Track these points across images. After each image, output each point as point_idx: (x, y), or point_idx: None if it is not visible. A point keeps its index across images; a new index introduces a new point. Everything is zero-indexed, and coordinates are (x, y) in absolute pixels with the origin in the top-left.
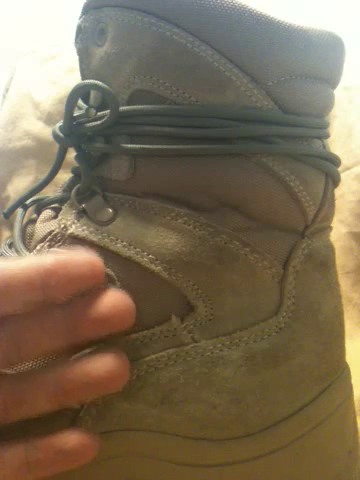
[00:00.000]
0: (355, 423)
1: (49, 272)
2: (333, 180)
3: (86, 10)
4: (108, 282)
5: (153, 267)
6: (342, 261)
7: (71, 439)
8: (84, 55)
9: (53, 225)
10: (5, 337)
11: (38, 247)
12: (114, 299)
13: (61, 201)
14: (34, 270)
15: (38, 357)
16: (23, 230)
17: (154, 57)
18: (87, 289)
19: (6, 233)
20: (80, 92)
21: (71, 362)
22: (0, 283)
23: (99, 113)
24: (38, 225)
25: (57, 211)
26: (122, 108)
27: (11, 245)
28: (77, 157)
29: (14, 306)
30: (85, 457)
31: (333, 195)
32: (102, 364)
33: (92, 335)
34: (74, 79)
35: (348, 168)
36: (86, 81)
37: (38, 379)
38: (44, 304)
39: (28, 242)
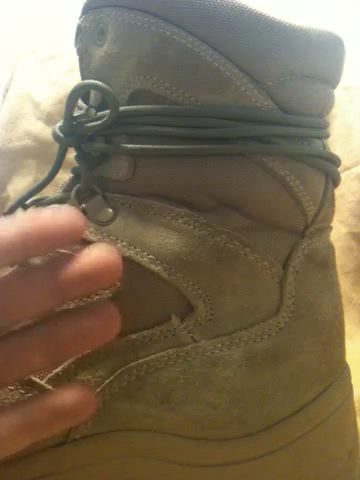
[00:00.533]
0: (355, 423)
1: (28, 232)
2: (333, 180)
3: (86, 10)
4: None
5: (153, 267)
6: (342, 261)
7: (68, 396)
8: (84, 55)
9: None
10: None
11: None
12: (99, 253)
13: (61, 201)
14: (13, 232)
15: (27, 319)
16: None
17: (154, 57)
18: (69, 244)
19: None
20: (80, 92)
21: (61, 314)
22: None
23: (99, 113)
24: None
25: None
26: (122, 108)
27: None
28: (77, 157)
29: None
30: (83, 413)
31: (333, 195)
32: (94, 315)
33: (80, 292)
34: (74, 79)
35: (348, 168)
36: (86, 81)
37: (29, 336)
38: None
39: None
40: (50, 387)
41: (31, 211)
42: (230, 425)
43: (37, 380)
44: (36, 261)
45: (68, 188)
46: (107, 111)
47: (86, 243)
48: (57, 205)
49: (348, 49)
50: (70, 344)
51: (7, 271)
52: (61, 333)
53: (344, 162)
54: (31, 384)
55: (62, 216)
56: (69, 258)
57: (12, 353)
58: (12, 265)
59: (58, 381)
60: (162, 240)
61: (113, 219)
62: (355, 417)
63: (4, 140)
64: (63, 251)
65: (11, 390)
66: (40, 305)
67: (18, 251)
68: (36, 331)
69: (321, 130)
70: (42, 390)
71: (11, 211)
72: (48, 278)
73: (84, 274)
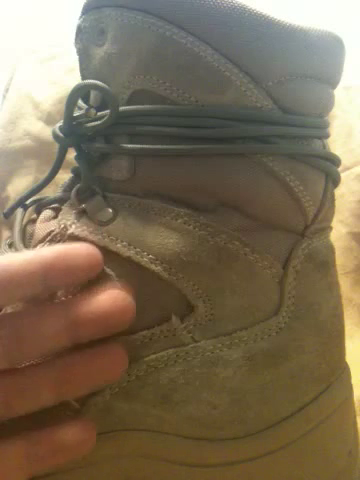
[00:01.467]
0: (355, 423)
1: (49, 265)
2: (333, 180)
3: (86, 10)
4: (108, 282)
5: (153, 267)
6: (342, 261)
7: (70, 432)
8: (84, 55)
9: (53, 225)
10: (6, 334)
11: (38, 247)
12: (114, 296)
13: (61, 201)
14: (35, 264)
15: (39, 356)
16: (23, 230)
17: (154, 57)
18: (86, 280)
19: (6, 233)
20: (80, 92)
21: (72, 354)
22: (3, 279)
23: (99, 113)
24: (38, 225)
25: (57, 211)
26: (122, 108)
27: (11, 245)
28: (77, 157)
29: (15, 300)
30: (84, 449)
31: (333, 195)
32: (104, 356)
33: (93, 333)
34: (74, 79)
35: (348, 168)
36: (86, 81)
37: (39, 371)
38: (43, 298)
39: (28, 242)
40: None
41: (52, 246)
42: (230, 425)
43: None
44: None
45: (68, 188)
46: (107, 111)
47: (86, 243)
48: (58, 205)
49: (348, 49)
50: (80, 383)
51: (24, 305)
52: (72, 373)
53: (344, 162)
54: None
55: (83, 250)
56: (85, 298)
57: (22, 388)
58: (31, 297)
59: None
60: (162, 240)
61: (113, 219)
62: (355, 417)
63: (4, 140)
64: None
65: None
66: (53, 341)
67: (38, 283)
68: (47, 368)
69: (321, 130)
70: None
71: (11, 211)
72: (64, 315)
73: (99, 316)
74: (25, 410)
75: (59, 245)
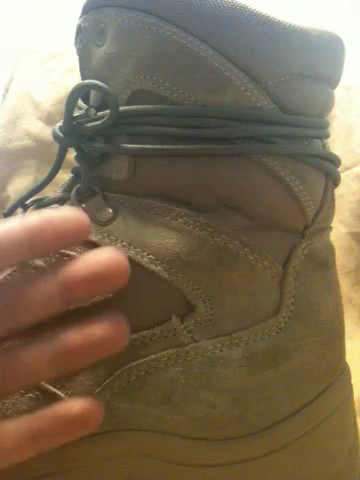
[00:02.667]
0: (355, 423)
1: (35, 230)
2: (333, 180)
3: (86, 10)
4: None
5: (153, 267)
6: (342, 261)
7: (75, 405)
8: (84, 55)
9: None
10: None
11: None
12: (106, 256)
13: (61, 201)
14: (21, 230)
15: (35, 322)
16: None
17: (154, 57)
18: (75, 244)
19: None
20: (80, 92)
21: (68, 326)
22: None
23: (99, 113)
24: None
25: None
26: (122, 108)
27: None
28: (77, 157)
29: (2, 267)
30: (90, 424)
31: (333, 195)
32: (102, 325)
33: (86, 295)
34: (74, 79)
35: (348, 168)
36: (86, 81)
37: (36, 345)
38: (32, 265)
39: None
40: (50, 387)
41: (37, 211)
42: (230, 425)
43: None
44: (42, 262)
45: (68, 188)
46: (107, 111)
47: (87, 243)
48: (58, 205)
49: (348, 49)
50: (77, 354)
51: (13, 272)
52: (69, 342)
53: (344, 162)
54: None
55: (69, 215)
56: (76, 259)
57: (19, 360)
58: (19, 264)
59: (58, 381)
60: (162, 240)
61: (113, 219)
62: (355, 417)
63: (4, 140)
64: (69, 252)
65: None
66: (47, 306)
67: (25, 249)
68: (44, 339)
69: (321, 130)
70: (42, 390)
71: (11, 211)
72: (55, 278)
73: (92, 275)
74: (23, 385)
75: (46, 210)
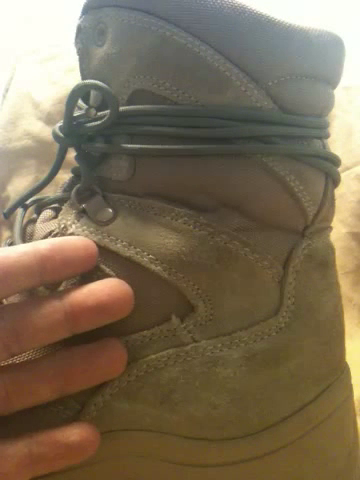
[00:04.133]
0: (355, 423)
1: (45, 257)
2: (333, 180)
3: (86, 10)
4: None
5: (153, 267)
6: (342, 261)
7: (74, 433)
8: (84, 55)
9: (53, 225)
10: (4, 327)
11: None
12: (112, 286)
13: (61, 201)
14: (31, 256)
15: (38, 347)
16: (23, 230)
17: (154, 57)
18: (83, 272)
19: (6, 233)
20: (80, 92)
21: (71, 349)
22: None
23: (99, 113)
24: (38, 225)
25: (57, 211)
26: (122, 108)
27: (11, 245)
28: (77, 157)
29: (12, 293)
30: (87, 451)
31: (333, 195)
32: (103, 352)
33: (91, 324)
34: (74, 79)
35: (348, 168)
36: (86, 81)
37: (39, 366)
38: (41, 291)
39: (28, 242)
40: None
41: (49, 239)
42: (230, 425)
43: None
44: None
45: (68, 188)
46: (107, 111)
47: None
48: (58, 205)
49: (348, 49)
50: (79, 379)
51: (21, 297)
52: (71, 368)
53: (344, 162)
54: None
55: (78, 243)
56: (83, 288)
57: (22, 382)
58: (28, 289)
59: None
60: (162, 240)
61: (113, 219)
62: (355, 417)
63: (4, 140)
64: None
65: None
66: (51, 333)
67: (35, 275)
68: (46, 364)
69: (321, 130)
70: None
71: (11, 211)
72: (61, 306)
73: (98, 305)
74: (24, 405)
75: (56, 238)
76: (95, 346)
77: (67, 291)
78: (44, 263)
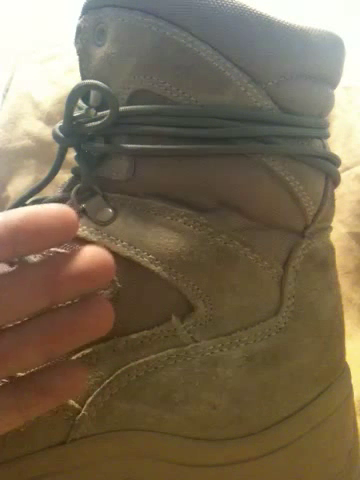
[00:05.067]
0: (355, 423)
1: (18, 228)
2: (333, 180)
3: (86, 10)
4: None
5: (153, 267)
6: (342, 261)
7: (58, 374)
8: (84, 55)
9: None
10: None
11: None
12: (92, 253)
13: (61, 201)
14: (1, 227)
15: (21, 318)
16: None
17: (154, 57)
18: (61, 242)
19: None
20: (80, 92)
21: (56, 310)
22: None
23: (99, 113)
24: None
25: None
26: (122, 108)
27: None
28: (77, 157)
29: None
30: (73, 391)
31: (333, 195)
32: (88, 310)
33: (72, 292)
34: (74, 79)
35: (348, 168)
36: (86, 81)
37: (23, 331)
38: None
39: None
40: None
41: (22, 207)
42: (230, 425)
43: None
44: (30, 259)
45: (68, 188)
46: (107, 111)
47: (86, 243)
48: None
49: (348, 49)
50: (64, 339)
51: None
52: (55, 328)
53: (344, 162)
54: None
55: (54, 212)
56: (63, 256)
57: (7, 348)
58: (1, 261)
59: None
60: (162, 240)
61: (113, 219)
62: (355, 417)
63: (4, 140)
64: (56, 250)
65: None
66: (32, 304)
67: (8, 246)
68: (30, 327)
69: (321, 130)
70: None
71: None
72: (41, 276)
73: (78, 273)
74: (12, 371)
75: (31, 206)
76: (80, 304)
77: (47, 259)
78: (16, 234)
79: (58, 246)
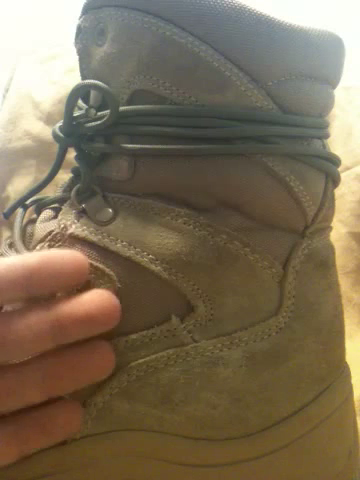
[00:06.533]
0: (355, 423)
1: (33, 271)
2: (333, 180)
3: (86, 10)
4: (107, 282)
5: (153, 267)
6: (342, 261)
7: (58, 412)
8: (84, 55)
9: (53, 225)
10: None
11: (38, 247)
12: (99, 298)
13: (61, 201)
14: (19, 269)
15: (24, 357)
16: (23, 230)
17: (154, 57)
18: (71, 287)
19: (6, 233)
20: (80, 92)
21: (59, 352)
22: None
23: (99, 113)
24: (38, 225)
25: (57, 211)
26: (122, 108)
27: (11, 245)
28: (77, 157)
29: None
30: (72, 428)
31: (333, 195)
32: (90, 353)
33: (78, 335)
34: (74, 79)
35: (348, 168)
36: (86, 81)
37: (27, 371)
38: (28, 302)
39: (28, 242)
40: None
41: (37, 252)
42: (230, 425)
43: None
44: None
45: (68, 188)
46: (107, 111)
47: (86, 244)
48: (58, 205)
49: (348, 49)
50: (66, 381)
51: (7, 307)
52: (58, 370)
53: (344, 162)
54: None
55: (68, 256)
56: (69, 298)
57: (10, 387)
58: (14, 301)
59: None
60: (162, 240)
61: (113, 219)
62: (355, 417)
63: (4, 140)
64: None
65: None
66: (38, 343)
67: (22, 288)
68: (34, 367)
69: (321, 130)
70: None
71: (11, 211)
72: (47, 316)
73: (85, 316)
74: (11, 408)
75: (45, 251)
76: (83, 349)
77: (55, 301)
78: (31, 276)
79: (68, 290)
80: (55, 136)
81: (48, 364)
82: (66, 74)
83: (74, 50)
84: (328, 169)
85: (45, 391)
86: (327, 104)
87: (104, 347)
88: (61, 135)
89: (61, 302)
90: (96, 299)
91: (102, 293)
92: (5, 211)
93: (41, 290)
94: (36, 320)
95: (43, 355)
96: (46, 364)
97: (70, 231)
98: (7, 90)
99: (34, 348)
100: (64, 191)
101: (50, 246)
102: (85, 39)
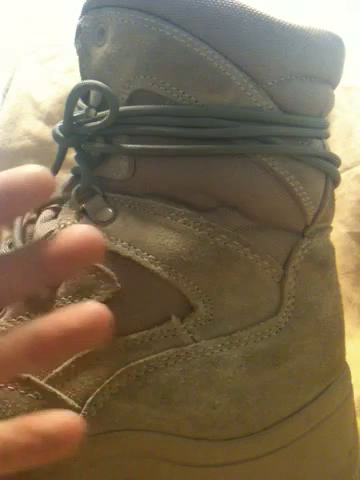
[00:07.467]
0: (355, 423)
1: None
2: (333, 180)
3: (86, 10)
4: (108, 282)
5: (153, 267)
6: (342, 261)
7: (51, 423)
8: (84, 55)
9: (53, 225)
10: None
11: None
12: (82, 231)
13: (61, 201)
14: None
15: (13, 302)
16: (23, 230)
17: (154, 57)
18: (36, 202)
19: (6, 233)
20: (80, 92)
21: (48, 315)
22: None
23: (99, 113)
24: (38, 225)
25: (57, 211)
26: (122, 108)
27: (11, 245)
28: (77, 157)
29: None
30: (68, 443)
31: (333, 195)
32: (79, 316)
33: (65, 270)
34: (74, 79)
35: (348, 168)
36: (86, 81)
37: (14, 333)
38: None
39: (28, 242)
40: (49, 387)
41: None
42: (230, 425)
43: (36, 380)
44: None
45: (68, 188)
46: (107, 111)
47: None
48: (58, 205)
49: (348, 49)
50: (55, 346)
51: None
52: (45, 333)
53: (344, 162)
54: (30, 384)
55: (26, 169)
56: (52, 238)
57: None
58: None
59: (58, 381)
60: (162, 240)
61: (113, 219)
62: (355, 417)
63: (4, 140)
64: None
65: (11, 390)
66: (25, 286)
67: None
68: (22, 329)
69: (321, 130)
70: (42, 390)
71: None
72: (32, 256)
73: (68, 250)
74: (6, 376)
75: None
76: (71, 309)
77: (38, 242)
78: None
79: (34, 208)
80: (55, 136)
81: (36, 327)
82: (66, 74)
83: (74, 50)
84: (328, 169)
85: (36, 357)
86: (327, 104)
87: (97, 310)
88: (61, 135)
89: (44, 241)
90: (79, 232)
91: (84, 227)
92: None
93: (3, 212)
94: (20, 260)
95: (32, 320)
96: (35, 326)
97: None
98: (7, 90)
99: (22, 290)
100: (64, 191)
101: None
102: (85, 39)
